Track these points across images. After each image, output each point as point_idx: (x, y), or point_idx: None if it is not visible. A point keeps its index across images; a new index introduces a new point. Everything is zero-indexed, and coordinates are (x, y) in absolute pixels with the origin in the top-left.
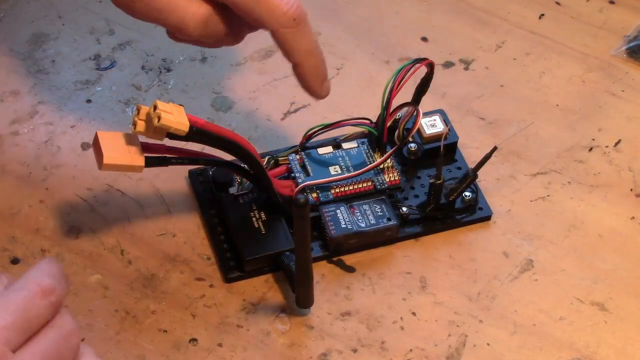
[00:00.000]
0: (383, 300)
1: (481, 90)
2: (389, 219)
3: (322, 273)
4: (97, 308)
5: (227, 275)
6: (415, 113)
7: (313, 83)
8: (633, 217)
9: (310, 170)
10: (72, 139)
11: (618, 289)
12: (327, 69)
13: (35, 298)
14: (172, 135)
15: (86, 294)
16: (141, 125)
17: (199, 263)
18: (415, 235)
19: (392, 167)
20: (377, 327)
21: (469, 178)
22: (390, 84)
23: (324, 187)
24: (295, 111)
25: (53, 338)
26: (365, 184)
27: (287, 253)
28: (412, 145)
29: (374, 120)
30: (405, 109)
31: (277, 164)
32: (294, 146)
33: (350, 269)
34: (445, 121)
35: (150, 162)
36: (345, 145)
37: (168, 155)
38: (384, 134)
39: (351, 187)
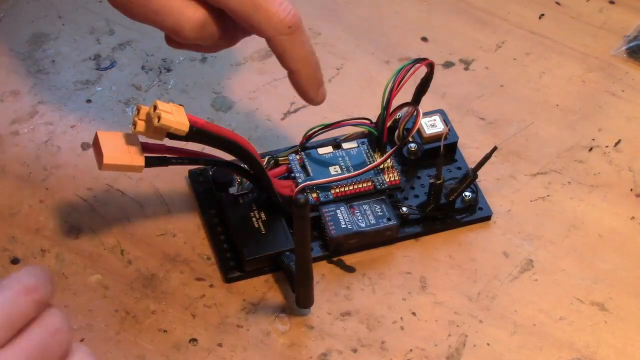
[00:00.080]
0: (383, 300)
1: (481, 90)
2: (389, 219)
3: (322, 273)
4: (97, 308)
5: (227, 275)
6: (415, 113)
7: (309, 89)
8: (633, 217)
9: (310, 170)
10: (72, 139)
11: (618, 289)
12: (322, 75)
13: (18, 296)
14: (172, 135)
15: (86, 294)
16: (141, 125)
17: (199, 263)
18: (415, 235)
19: (392, 167)
20: (377, 327)
21: (469, 178)
22: (390, 84)
23: (324, 187)
24: (295, 111)
25: (38, 335)
26: (365, 184)
27: (287, 253)
28: (412, 145)
29: (374, 120)
30: (405, 109)
31: (277, 164)
32: (294, 146)
33: (350, 269)
34: (445, 121)
35: (150, 162)
36: (345, 145)
37: (168, 155)
38: (384, 134)
39: (351, 187)
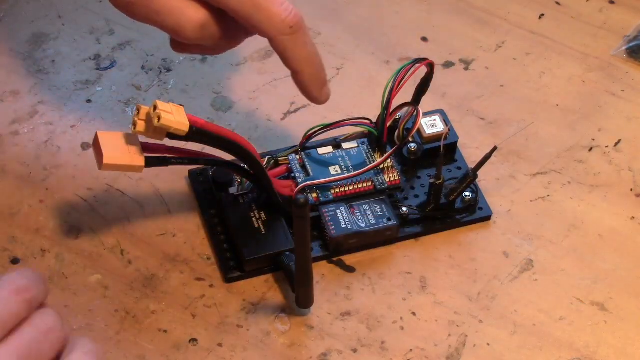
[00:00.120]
0: (383, 300)
1: (481, 90)
2: (389, 219)
3: (322, 273)
4: (97, 308)
5: (227, 275)
6: (415, 113)
7: (312, 89)
8: (633, 217)
9: (310, 170)
10: (72, 139)
11: (618, 289)
12: (326, 74)
13: (8, 296)
14: (172, 135)
15: (86, 294)
16: (141, 125)
17: (199, 263)
18: (415, 235)
19: (392, 167)
20: (377, 327)
21: (469, 178)
22: (390, 84)
23: (324, 187)
24: (295, 111)
25: (29, 334)
26: (365, 184)
27: (287, 253)
28: (412, 145)
29: (374, 120)
30: (405, 109)
31: (277, 164)
32: (294, 146)
33: (350, 269)
34: (445, 121)
35: (150, 162)
36: (345, 145)
37: (168, 155)
38: (384, 134)
39: (351, 187)
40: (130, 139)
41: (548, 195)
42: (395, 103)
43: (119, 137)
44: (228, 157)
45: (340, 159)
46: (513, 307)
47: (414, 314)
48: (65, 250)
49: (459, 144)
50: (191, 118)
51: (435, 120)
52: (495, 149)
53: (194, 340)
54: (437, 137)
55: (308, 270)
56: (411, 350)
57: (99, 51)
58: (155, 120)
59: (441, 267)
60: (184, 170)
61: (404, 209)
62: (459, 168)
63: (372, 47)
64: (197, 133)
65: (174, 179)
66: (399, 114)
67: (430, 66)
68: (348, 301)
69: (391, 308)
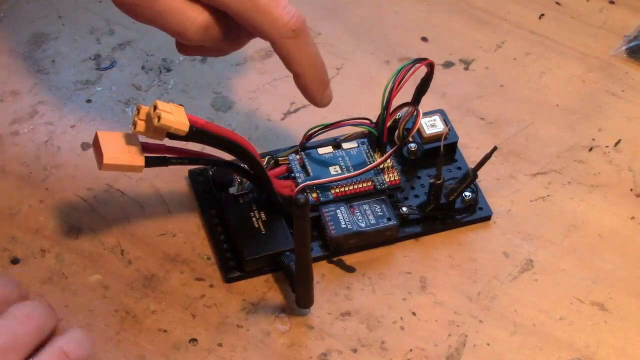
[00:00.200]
0: (383, 300)
1: (481, 90)
2: (389, 219)
3: (322, 273)
4: (97, 308)
5: (227, 275)
6: (415, 113)
7: (314, 92)
8: (633, 217)
9: (310, 170)
10: (72, 139)
11: (618, 289)
12: (328, 77)
13: None
14: (172, 135)
15: (86, 294)
16: (141, 125)
17: (199, 263)
18: (415, 235)
19: (392, 167)
20: (377, 327)
21: (469, 178)
22: (390, 84)
23: (324, 187)
24: (295, 111)
25: (3, 326)
26: (365, 184)
27: (287, 253)
28: (412, 145)
29: (374, 120)
30: (405, 109)
31: (277, 164)
32: (294, 146)
33: (350, 269)
34: (445, 121)
35: (150, 162)
36: (345, 145)
37: (168, 155)
38: (384, 134)
39: (351, 187)
40: (130, 139)
41: (548, 195)
42: (395, 103)
43: (119, 137)
44: (228, 157)
45: (340, 159)
46: (513, 307)
47: (414, 314)
48: (65, 250)
49: (459, 144)
50: (191, 118)
51: (435, 120)
52: (495, 149)
53: (194, 340)
54: (437, 137)
55: (308, 270)
56: (411, 350)
57: (99, 51)
58: (155, 120)
59: (441, 267)
60: (184, 170)
61: (404, 209)
62: (459, 168)
63: (372, 47)
64: (197, 133)
65: (174, 179)
66: (399, 114)
67: (430, 66)
68: (348, 301)
69: (391, 308)
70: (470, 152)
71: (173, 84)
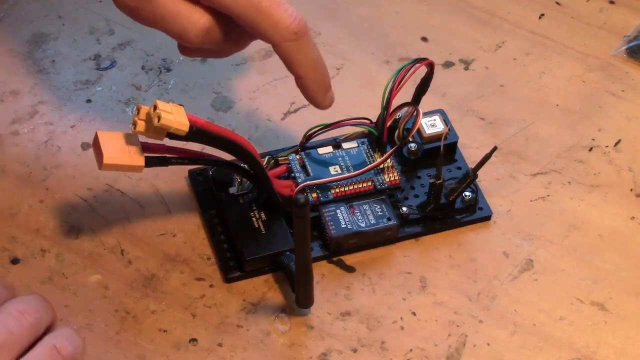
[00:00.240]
0: (383, 300)
1: (481, 90)
2: (389, 219)
3: (322, 273)
4: (97, 308)
5: (227, 275)
6: (415, 113)
7: (316, 94)
8: (633, 217)
9: (310, 170)
10: (72, 139)
11: (618, 289)
12: (329, 79)
13: None
14: (172, 135)
15: (86, 294)
16: (141, 125)
17: (199, 263)
18: (415, 235)
19: (392, 167)
20: (377, 327)
21: (469, 178)
22: (390, 84)
23: (324, 187)
24: (295, 111)
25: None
26: (365, 184)
27: (287, 253)
28: (412, 145)
29: (374, 120)
30: (405, 109)
31: (277, 164)
32: (294, 146)
33: (350, 269)
34: (445, 121)
35: (150, 162)
36: (345, 145)
37: (168, 155)
38: (384, 134)
39: (351, 187)
40: (130, 139)
41: (548, 195)
42: (395, 103)
43: (119, 137)
44: (228, 157)
45: (340, 158)
46: (513, 307)
47: (414, 314)
48: (65, 250)
49: (459, 144)
50: (191, 118)
51: (435, 120)
52: (495, 149)
53: (194, 340)
54: (437, 137)
55: (308, 270)
56: (411, 350)
57: (99, 51)
58: (155, 120)
59: (441, 267)
60: (184, 170)
61: (404, 209)
62: (459, 168)
63: (372, 47)
64: (197, 133)
65: (174, 179)
66: (399, 114)
67: (430, 66)
68: (348, 301)
69: (391, 308)
70: (470, 152)
71: (173, 84)
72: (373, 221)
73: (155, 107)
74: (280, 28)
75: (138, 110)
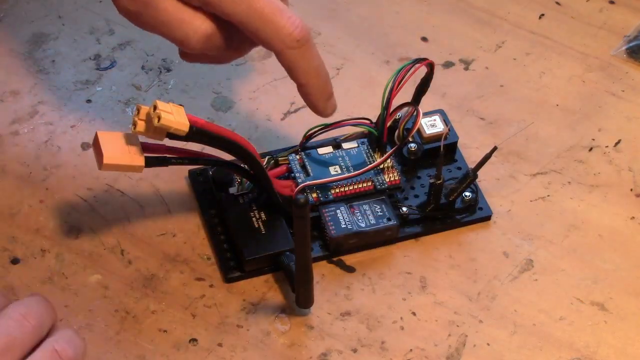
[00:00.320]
0: (383, 300)
1: (481, 90)
2: (389, 219)
3: (322, 273)
4: (97, 308)
5: (227, 275)
6: (415, 113)
7: (318, 102)
8: (633, 217)
9: (310, 170)
10: (72, 139)
11: (618, 289)
12: (332, 86)
13: None
14: (172, 135)
15: (86, 294)
16: (141, 125)
17: (199, 263)
18: (415, 235)
19: (392, 167)
20: (377, 327)
21: (469, 178)
22: (390, 84)
23: (324, 187)
24: (295, 111)
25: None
26: (365, 184)
27: (287, 253)
28: (412, 145)
29: (374, 120)
30: (405, 109)
31: (277, 164)
32: (294, 146)
33: (350, 269)
34: (445, 121)
35: (150, 162)
36: (345, 145)
37: (168, 155)
38: (384, 134)
39: (351, 187)
40: (130, 139)
41: (548, 195)
42: (395, 103)
43: (119, 137)
44: (228, 157)
45: (340, 159)
46: (513, 307)
47: (414, 314)
48: (65, 250)
49: (459, 144)
50: (191, 118)
51: (435, 120)
52: (495, 149)
53: (194, 340)
54: (437, 137)
55: (308, 270)
56: (411, 350)
57: (99, 51)
58: (155, 120)
59: (441, 267)
60: (184, 170)
61: (404, 209)
62: (459, 168)
63: (372, 47)
64: (197, 133)
65: (174, 179)
66: (399, 114)
67: (430, 66)
68: (348, 301)
69: (391, 308)
70: (470, 152)
71: (173, 84)
72: (373, 221)
73: (155, 107)
74: (282, 35)
75: (138, 110)
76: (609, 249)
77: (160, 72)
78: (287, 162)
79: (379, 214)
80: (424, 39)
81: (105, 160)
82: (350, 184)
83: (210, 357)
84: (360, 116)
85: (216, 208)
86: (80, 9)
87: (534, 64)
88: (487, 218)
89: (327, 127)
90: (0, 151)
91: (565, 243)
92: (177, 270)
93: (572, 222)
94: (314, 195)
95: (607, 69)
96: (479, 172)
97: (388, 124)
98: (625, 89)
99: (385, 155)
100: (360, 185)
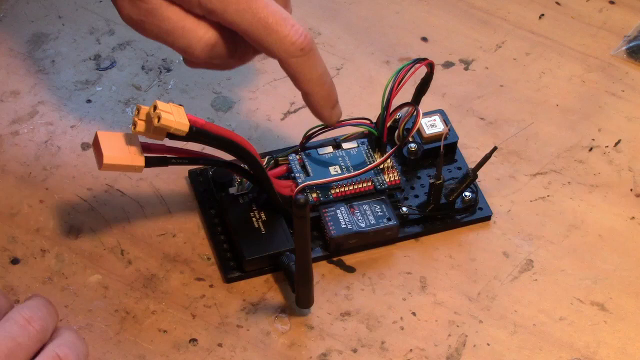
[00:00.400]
0: (383, 300)
1: (481, 90)
2: (389, 219)
3: (322, 273)
4: (97, 308)
5: (227, 275)
6: (415, 113)
7: (323, 110)
8: (633, 217)
9: (310, 170)
10: (72, 139)
11: (618, 289)
12: (336, 94)
13: None
14: (172, 135)
15: (86, 294)
16: (141, 125)
17: (199, 263)
18: (415, 235)
19: (392, 167)
20: (377, 327)
21: (469, 178)
22: (390, 84)
23: (324, 187)
24: (295, 111)
25: (5, 328)
26: (365, 184)
27: (287, 253)
28: (412, 145)
29: (374, 120)
30: (405, 109)
31: (277, 164)
32: (294, 146)
33: (350, 269)
34: (445, 121)
35: (150, 162)
36: (345, 145)
37: (168, 155)
38: (384, 134)
39: (351, 187)
40: (130, 139)
41: (548, 195)
42: (395, 103)
43: (119, 137)
44: (228, 157)
45: (340, 159)
46: (513, 307)
47: (414, 314)
48: (65, 250)
49: (459, 144)
50: (191, 118)
51: (435, 120)
52: (495, 149)
53: (194, 340)
54: (437, 137)
55: (308, 270)
56: (411, 350)
57: (99, 51)
58: (155, 121)
59: (441, 267)
60: (184, 170)
61: (404, 209)
62: (459, 168)
63: (372, 47)
64: (197, 133)
65: (174, 179)
66: (399, 114)
67: (430, 66)
68: (348, 301)
69: (391, 308)
70: (470, 152)
71: (173, 84)
72: (373, 221)
73: (155, 107)
74: (286, 44)
75: (138, 110)
76: (609, 249)
77: (160, 72)
78: (287, 162)
79: (379, 214)
80: (424, 39)
81: (105, 160)
82: (350, 184)
83: (210, 357)
84: (360, 116)
85: (216, 208)
86: (80, 9)
87: (534, 64)
88: (487, 218)
89: (327, 127)
90: (0, 151)
91: (565, 243)
92: (177, 271)
93: (572, 222)
94: (314, 195)
95: (607, 69)
96: (479, 172)
97: (388, 124)
98: (625, 89)
99: (385, 155)
100: (360, 185)
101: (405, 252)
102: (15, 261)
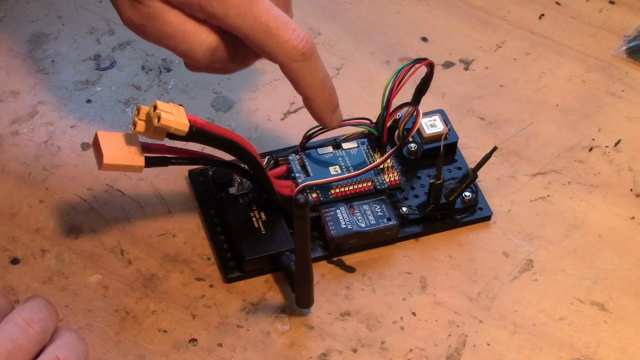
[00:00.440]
0: (383, 300)
1: (481, 90)
2: (389, 219)
3: (322, 273)
4: (97, 308)
5: (227, 275)
6: (415, 113)
7: (324, 114)
8: (633, 217)
9: (310, 170)
10: (72, 139)
11: (618, 289)
12: (337, 98)
13: None
14: (172, 135)
15: (86, 294)
16: (141, 126)
17: (199, 263)
18: (415, 235)
19: (392, 167)
20: (377, 327)
21: (469, 178)
22: (390, 84)
23: (324, 187)
24: (295, 111)
25: (5, 330)
26: (365, 184)
27: (287, 253)
28: (412, 145)
29: (374, 120)
30: (405, 109)
31: (277, 164)
32: (294, 146)
33: (350, 269)
34: (445, 121)
35: (150, 162)
36: (345, 145)
37: (168, 155)
38: (384, 134)
39: (351, 187)
40: (130, 139)
41: (548, 195)
42: (395, 103)
43: (119, 137)
44: (228, 157)
45: (340, 159)
46: (513, 307)
47: (414, 314)
48: (65, 250)
49: (459, 144)
50: (191, 118)
51: (435, 120)
52: (495, 149)
53: (194, 340)
54: (437, 137)
55: (308, 270)
56: (411, 350)
57: (99, 51)
58: (155, 121)
59: (441, 267)
60: (184, 170)
61: (404, 209)
62: (459, 168)
63: (372, 47)
64: (197, 133)
65: (174, 179)
66: (399, 114)
67: (430, 66)
68: (348, 301)
69: (391, 308)
70: (470, 152)
71: (173, 84)
72: (373, 221)
73: (155, 107)
74: (287, 48)
75: (138, 110)
76: (609, 249)
77: (160, 72)
78: (287, 162)
79: (379, 214)
80: (424, 39)
81: (105, 160)
82: (350, 184)
83: (210, 357)
84: (360, 116)
85: (216, 208)
86: (80, 9)
87: (534, 64)
88: (487, 218)
89: None
90: (0, 151)
91: (565, 243)
92: (177, 271)
93: (572, 222)
94: (314, 195)
95: (607, 69)
96: (479, 172)
97: (388, 124)
98: (625, 89)
99: (385, 155)
100: (360, 185)
101: (405, 252)
102: (15, 261)
